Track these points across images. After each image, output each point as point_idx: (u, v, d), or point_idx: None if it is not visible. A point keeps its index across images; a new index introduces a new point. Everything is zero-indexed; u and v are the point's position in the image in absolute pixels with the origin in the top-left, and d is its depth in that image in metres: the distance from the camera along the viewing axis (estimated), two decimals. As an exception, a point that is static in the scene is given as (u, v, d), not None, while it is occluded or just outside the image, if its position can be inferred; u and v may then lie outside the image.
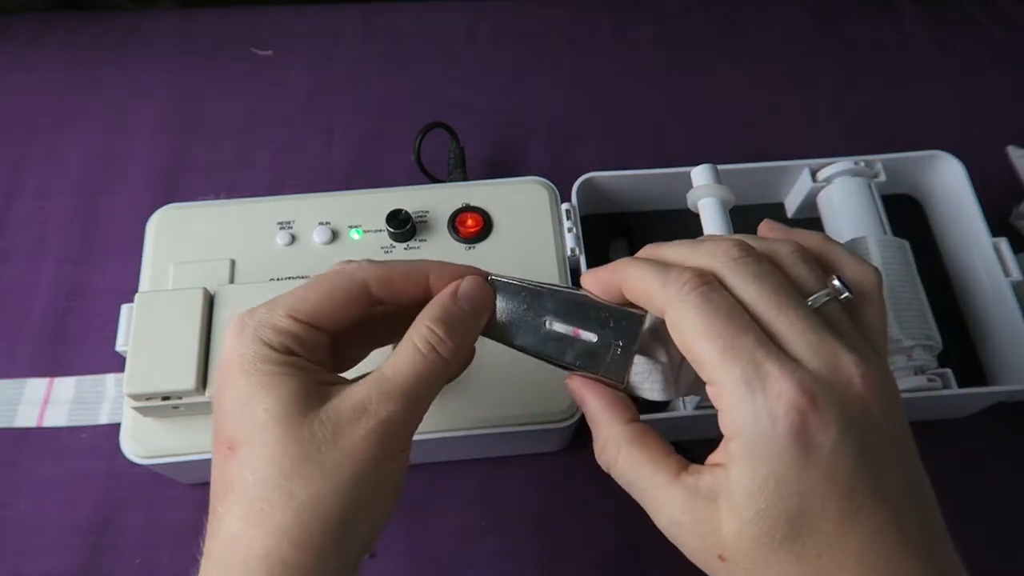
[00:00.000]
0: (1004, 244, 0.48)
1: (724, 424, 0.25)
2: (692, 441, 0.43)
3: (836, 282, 0.27)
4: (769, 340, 0.25)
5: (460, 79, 0.63)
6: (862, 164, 0.49)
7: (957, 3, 0.69)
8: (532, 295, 0.31)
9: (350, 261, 0.30)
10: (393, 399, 0.28)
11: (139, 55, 0.63)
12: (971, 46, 0.66)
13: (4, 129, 0.59)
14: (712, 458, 0.26)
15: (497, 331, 0.31)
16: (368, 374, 0.28)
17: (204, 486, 0.46)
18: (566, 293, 0.30)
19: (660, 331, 0.29)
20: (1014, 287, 0.47)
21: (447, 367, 0.29)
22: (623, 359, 0.29)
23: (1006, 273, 0.47)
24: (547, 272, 0.45)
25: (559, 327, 0.30)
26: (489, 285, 0.31)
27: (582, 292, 0.30)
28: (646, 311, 0.29)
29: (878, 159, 0.50)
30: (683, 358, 0.28)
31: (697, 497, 0.25)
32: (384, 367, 0.28)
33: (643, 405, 0.31)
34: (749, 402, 0.24)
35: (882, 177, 0.50)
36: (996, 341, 0.48)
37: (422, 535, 0.45)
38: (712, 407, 0.25)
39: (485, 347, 0.44)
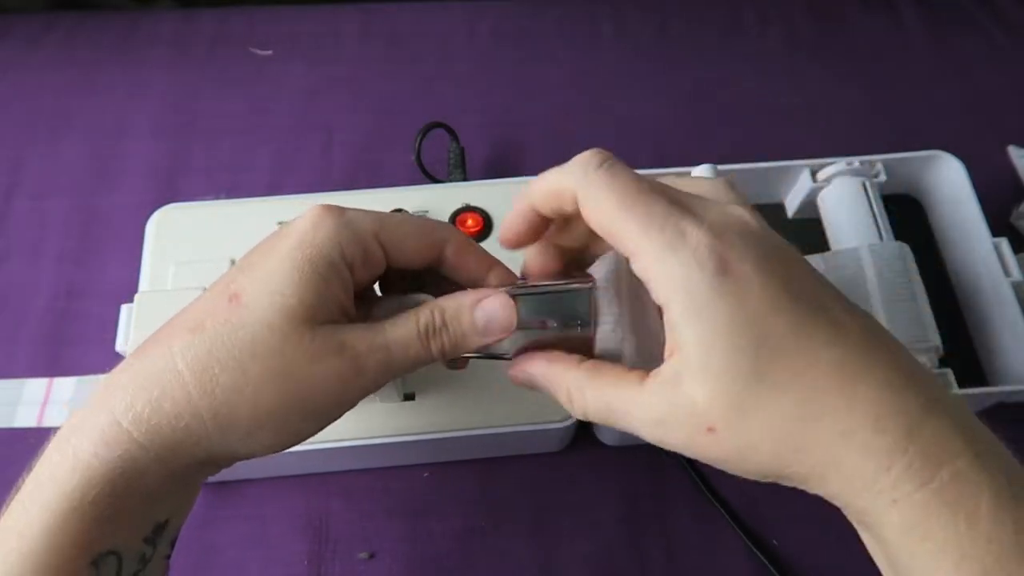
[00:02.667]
0: (1004, 244, 0.48)
1: (658, 294, 0.26)
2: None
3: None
4: (678, 205, 0.26)
5: (460, 79, 0.63)
6: (862, 164, 0.49)
7: (957, 3, 0.69)
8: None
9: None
10: (379, 361, 0.28)
11: (139, 55, 0.63)
12: (971, 46, 0.66)
13: (4, 129, 0.59)
14: (665, 353, 0.26)
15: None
16: (367, 324, 0.29)
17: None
18: (520, 295, 0.30)
19: (611, 294, 0.29)
20: (1014, 287, 0.47)
21: (428, 360, 0.30)
22: (584, 334, 0.29)
23: (1006, 273, 0.47)
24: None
25: (521, 334, 0.30)
26: (514, 302, 0.30)
27: (527, 285, 0.31)
28: (591, 280, 0.29)
29: (878, 159, 0.50)
30: (642, 315, 0.29)
31: (665, 386, 0.26)
32: (387, 328, 0.29)
33: None
34: (675, 260, 0.25)
35: (882, 177, 0.50)
36: (996, 341, 0.48)
37: (422, 535, 0.45)
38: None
39: (485, 347, 0.44)
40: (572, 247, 0.32)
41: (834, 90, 0.64)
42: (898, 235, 0.48)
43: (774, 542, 0.45)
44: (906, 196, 0.55)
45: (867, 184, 0.49)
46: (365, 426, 0.41)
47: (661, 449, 0.27)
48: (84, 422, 0.27)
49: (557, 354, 0.29)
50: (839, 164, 0.49)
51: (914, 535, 0.23)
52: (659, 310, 0.27)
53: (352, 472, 0.46)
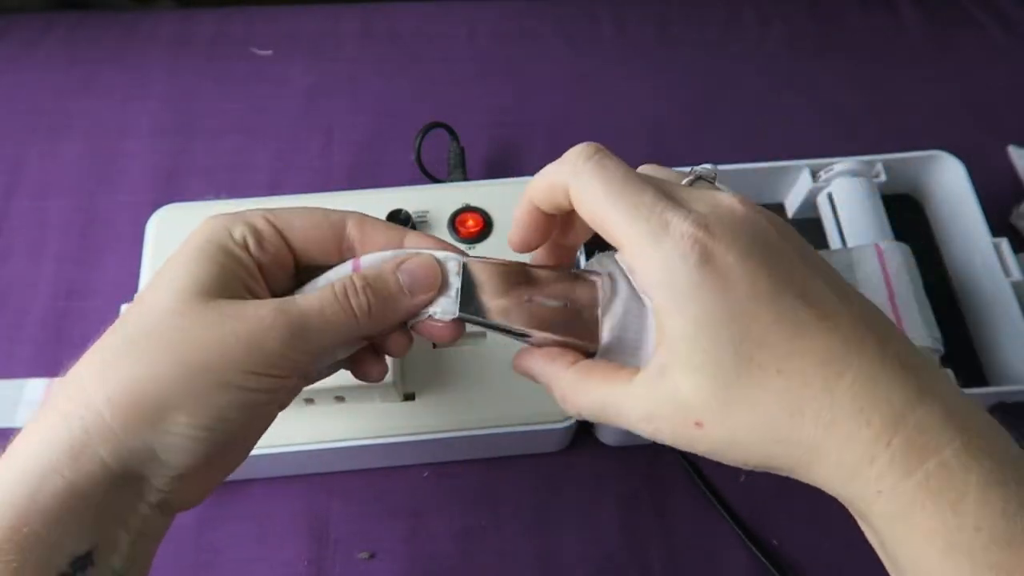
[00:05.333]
0: (1004, 244, 0.48)
1: (642, 285, 0.26)
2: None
3: (698, 168, 0.29)
4: (665, 196, 0.26)
5: (460, 79, 0.63)
6: (862, 164, 0.49)
7: (957, 3, 0.69)
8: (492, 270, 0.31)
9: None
10: (286, 322, 0.27)
11: (139, 55, 0.63)
12: (971, 46, 0.66)
13: (4, 129, 0.59)
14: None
15: (472, 309, 0.30)
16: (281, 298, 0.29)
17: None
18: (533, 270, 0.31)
19: (608, 289, 0.29)
20: (1014, 287, 0.47)
21: (355, 325, 0.29)
22: (592, 322, 0.29)
23: (1006, 273, 0.47)
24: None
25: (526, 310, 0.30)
26: (438, 266, 0.30)
27: (540, 269, 0.31)
28: (598, 275, 0.29)
29: (878, 159, 0.50)
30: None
31: (652, 381, 0.26)
32: (297, 296, 0.28)
33: None
34: (658, 250, 0.25)
35: (882, 177, 0.50)
36: (996, 341, 0.48)
37: (422, 535, 0.45)
38: None
39: (485, 347, 0.44)
40: (576, 244, 0.32)
41: (834, 90, 0.64)
42: (898, 235, 0.48)
43: (774, 542, 0.45)
44: (906, 196, 0.55)
45: (867, 184, 0.49)
46: (365, 426, 0.41)
47: (661, 448, 0.28)
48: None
49: (554, 353, 0.29)
50: (839, 164, 0.49)
51: (900, 524, 0.23)
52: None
53: (352, 472, 0.46)
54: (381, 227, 0.31)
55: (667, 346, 0.25)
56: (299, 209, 0.31)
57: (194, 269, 0.27)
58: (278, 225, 0.30)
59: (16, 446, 0.25)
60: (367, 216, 0.31)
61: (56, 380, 0.27)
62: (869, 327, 0.25)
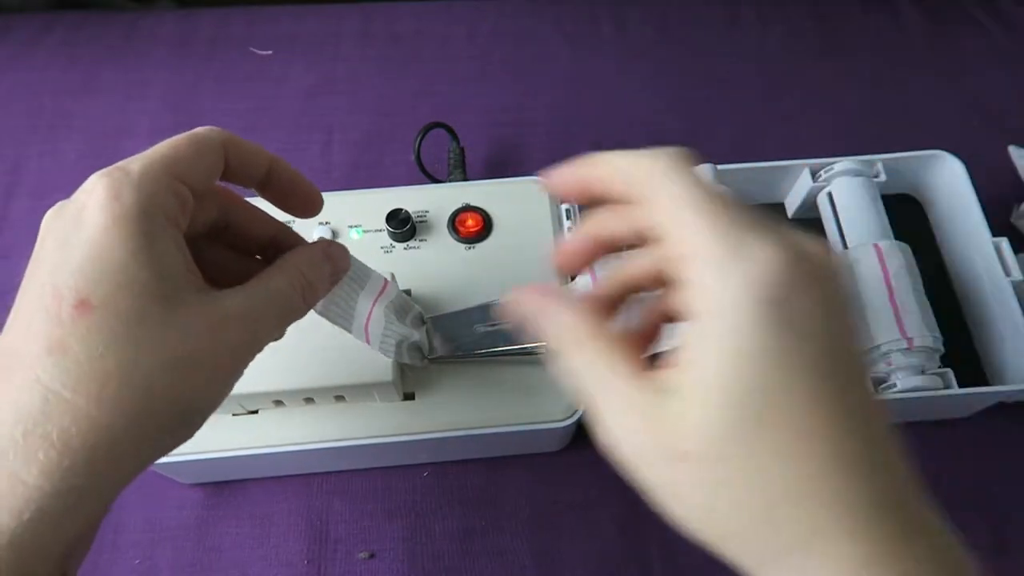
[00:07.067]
0: (1005, 244, 0.48)
1: (691, 298, 0.23)
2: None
3: None
4: (745, 215, 0.23)
5: (460, 79, 0.63)
6: (862, 164, 0.49)
7: (957, 3, 0.69)
8: (453, 317, 0.38)
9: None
10: (263, 321, 0.28)
11: (139, 55, 0.63)
12: (971, 46, 0.66)
13: (4, 128, 0.59)
14: (670, 357, 0.23)
15: (448, 352, 0.39)
16: (240, 288, 0.28)
17: (204, 486, 0.46)
18: (476, 306, 0.37)
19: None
20: (1015, 287, 0.47)
21: (300, 315, 0.30)
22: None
23: (1007, 273, 0.47)
24: (547, 272, 0.45)
25: (486, 327, 0.35)
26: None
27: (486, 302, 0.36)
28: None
29: (878, 159, 0.50)
30: None
31: (658, 394, 0.23)
32: (257, 293, 0.28)
33: None
34: (729, 269, 0.22)
35: (882, 177, 0.50)
36: (996, 341, 0.48)
37: (422, 535, 0.45)
38: None
39: (485, 347, 0.44)
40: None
41: (834, 90, 0.64)
42: (898, 235, 0.48)
43: (774, 542, 0.45)
44: (906, 196, 0.55)
45: (867, 184, 0.49)
46: (365, 426, 0.41)
47: None
48: None
49: (557, 290, 0.27)
50: (839, 164, 0.49)
51: None
52: (671, 316, 0.25)
53: (352, 472, 0.46)
54: (248, 147, 0.31)
55: (695, 369, 0.22)
56: (246, 144, 0.31)
57: (145, 266, 0.25)
58: (179, 174, 0.28)
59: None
60: (233, 137, 0.31)
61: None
62: (887, 439, 0.23)
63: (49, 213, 0.28)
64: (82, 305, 0.24)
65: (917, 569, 0.21)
